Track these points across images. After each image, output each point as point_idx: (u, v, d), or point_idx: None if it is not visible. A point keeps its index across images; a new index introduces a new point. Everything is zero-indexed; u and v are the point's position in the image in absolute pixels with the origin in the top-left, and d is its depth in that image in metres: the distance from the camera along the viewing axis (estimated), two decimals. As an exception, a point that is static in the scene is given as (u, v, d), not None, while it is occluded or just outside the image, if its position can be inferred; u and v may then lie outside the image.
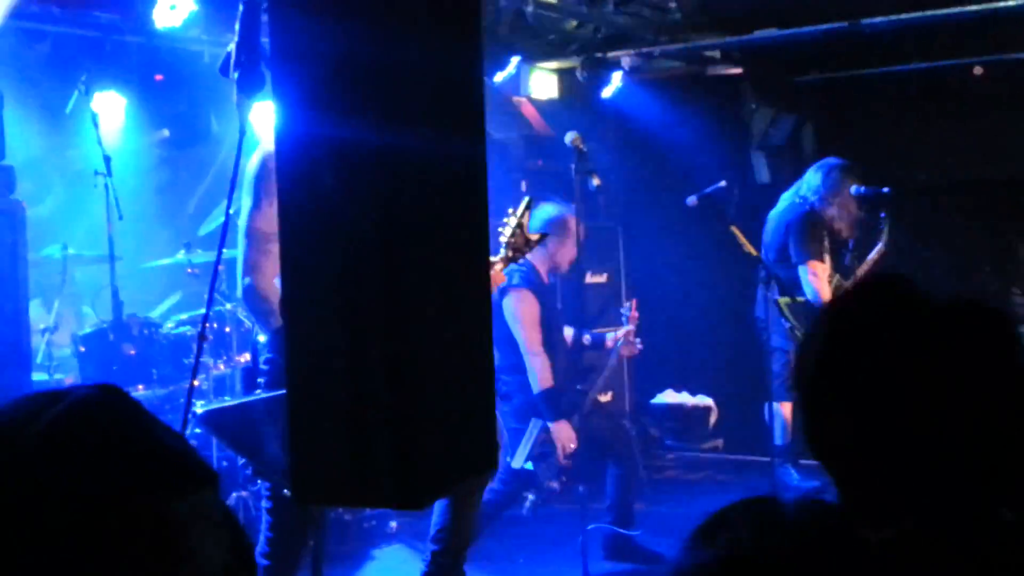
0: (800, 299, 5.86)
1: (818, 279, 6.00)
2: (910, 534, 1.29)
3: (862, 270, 6.18)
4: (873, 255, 6.22)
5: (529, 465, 5.15)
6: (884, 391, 1.26)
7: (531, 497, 5.34)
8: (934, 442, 1.25)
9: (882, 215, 6.22)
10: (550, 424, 5.13)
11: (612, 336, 5.56)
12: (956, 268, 6.95)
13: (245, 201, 3.57)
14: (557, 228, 5.30)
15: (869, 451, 1.29)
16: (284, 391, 2.63)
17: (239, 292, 3.61)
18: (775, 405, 6.15)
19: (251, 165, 3.62)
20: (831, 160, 6.28)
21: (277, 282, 3.59)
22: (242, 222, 3.56)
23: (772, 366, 6.19)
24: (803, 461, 6.26)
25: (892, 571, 1.11)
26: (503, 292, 5.09)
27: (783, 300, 5.92)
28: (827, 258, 6.19)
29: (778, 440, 6.19)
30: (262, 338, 3.70)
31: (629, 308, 5.57)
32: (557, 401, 5.15)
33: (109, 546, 0.77)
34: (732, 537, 1.06)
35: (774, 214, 6.22)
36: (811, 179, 6.18)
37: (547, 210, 5.39)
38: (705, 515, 1.12)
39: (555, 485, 5.25)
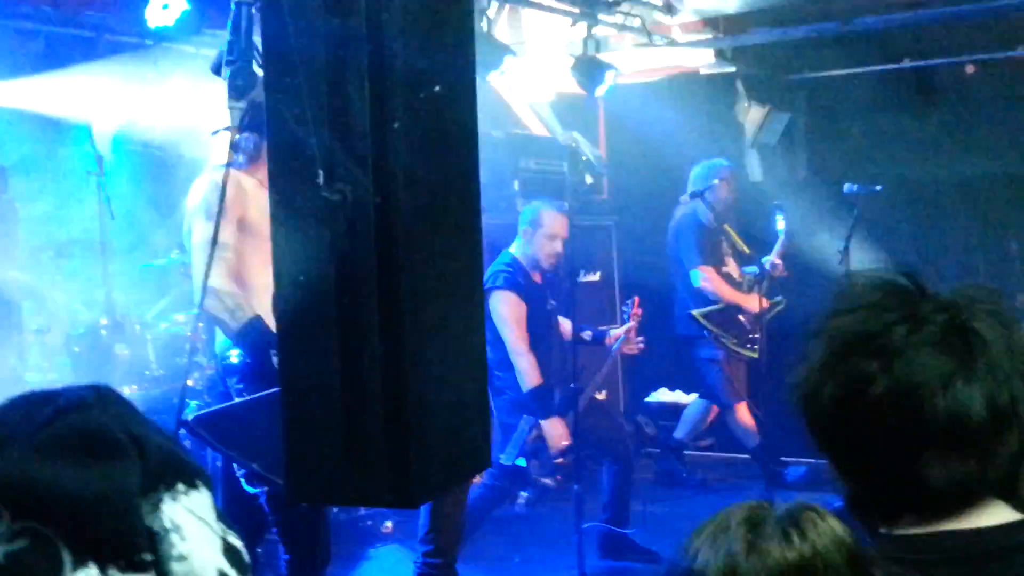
0: (715, 307, 5.92)
1: (710, 281, 6.14)
2: (909, 535, 1.29)
3: (775, 260, 6.26)
4: (779, 247, 6.29)
5: (521, 461, 5.14)
6: (882, 391, 1.27)
7: (524, 494, 5.33)
8: (936, 440, 1.26)
9: (778, 208, 6.27)
10: (541, 422, 5.13)
11: (614, 333, 5.58)
12: (949, 265, 6.97)
13: (198, 218, 3.72)
14: (528, 223, 5.33)
15: (871, 449, 1.29)
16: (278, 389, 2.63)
17: (197, 297, 3.63)
18: (730, 414, 6.19)
19: (200, 189, 3.78)
20: (710, 163, 6.31)
21: (232, 285, 3.64)
22: (198, 236, 3.70)
23: (707, 379, 6.25)
24: (784, 459, 6.29)
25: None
26: (487, 293, 5.07)
27: (697, 312, 6.00)
28: (729, 260, 6.26)
29: (750, 444, 6.21)
30: (235, 357, 3.70)
31: (631, 305, 5.60)
32: (546, 399, 5.15)
33: (98, 549, 0.77)
34: (728, 543, 1.06)
35: (671, 228, 6.37)
36: (695, 185, 6.23)
37: (524, 212, 5.44)
38: (700, 519, 1.12)
39: (549, 482, 5.25)
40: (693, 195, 6.15)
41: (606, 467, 5.33)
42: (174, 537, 0.80)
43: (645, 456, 7.29)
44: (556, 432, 5.12)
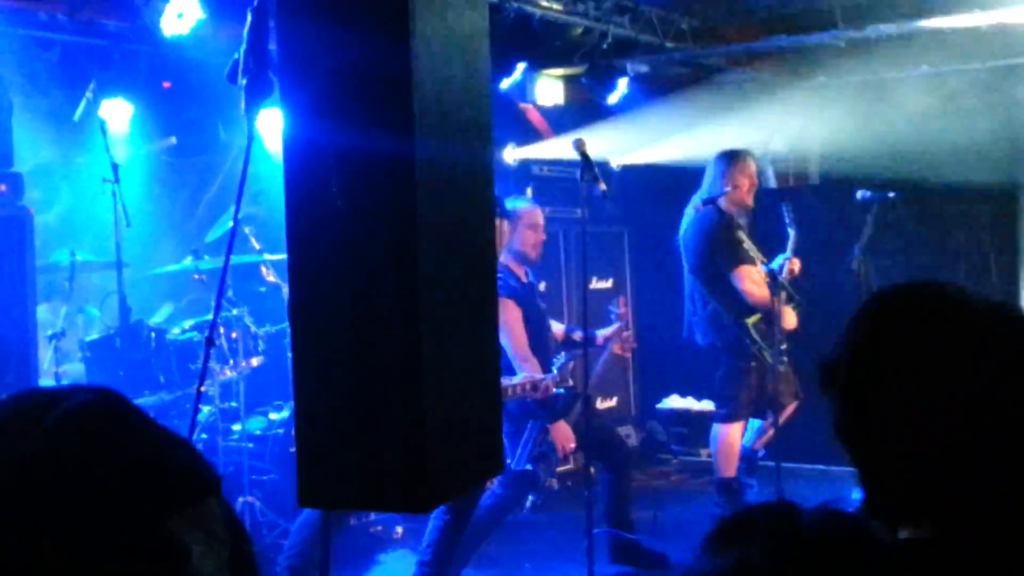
0: (760, 315, 5.62)
1: (752, 283, 5.74)
2: (927, 539, 1.29)
3: (789, 261, 5.85)
4: (791, 246, 5.90)
5: (529, 467, 5.13)
6: (923, 391, 1.27)
7: (531, 497, 5.32)
8: (970, 444, 1.26)
9: (785, 203, 5.98)
10: (548, 426, 5.13)
11: (602, 334, 5.56)
12: (962, 270, 6.95)
13: None
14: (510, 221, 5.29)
15: (903, 449, 1.29)
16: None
17: None
18: (725, 429, 5.84)
19: None
20: (721, 153, 6.02)
21: None
22: None
23: (727, 389, 5.83)
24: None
25: None
26: None
27: (751, 320, 5.70)
28: (755, 258, 5.86)
29: (721, 473, 5.85)
30: None
31: (618, 305, 5.57)
32: (552, 403, 5.12)
33: (99, 563, 0.74)
34: (747, 545, 1.06)
35: (688, 230, 5.96)
36: (709, 179, 5.95)
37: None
38: (718, 519, 1.12)
39: (555, 484, 5.25)
40: (706, 201, 5.94)
41: (601, 475, 5.32)
42: (176, 554, 0.77)
43: (657, 463, 7.30)
44: (563, 435, 5.11)
